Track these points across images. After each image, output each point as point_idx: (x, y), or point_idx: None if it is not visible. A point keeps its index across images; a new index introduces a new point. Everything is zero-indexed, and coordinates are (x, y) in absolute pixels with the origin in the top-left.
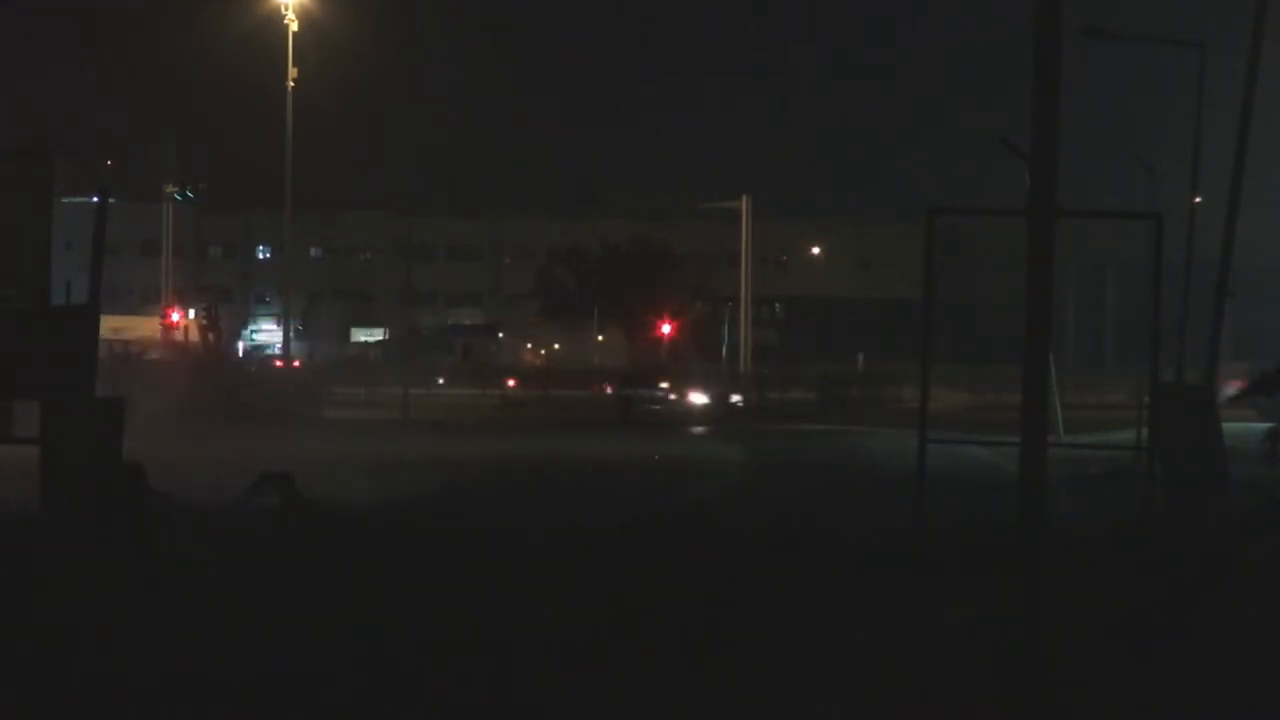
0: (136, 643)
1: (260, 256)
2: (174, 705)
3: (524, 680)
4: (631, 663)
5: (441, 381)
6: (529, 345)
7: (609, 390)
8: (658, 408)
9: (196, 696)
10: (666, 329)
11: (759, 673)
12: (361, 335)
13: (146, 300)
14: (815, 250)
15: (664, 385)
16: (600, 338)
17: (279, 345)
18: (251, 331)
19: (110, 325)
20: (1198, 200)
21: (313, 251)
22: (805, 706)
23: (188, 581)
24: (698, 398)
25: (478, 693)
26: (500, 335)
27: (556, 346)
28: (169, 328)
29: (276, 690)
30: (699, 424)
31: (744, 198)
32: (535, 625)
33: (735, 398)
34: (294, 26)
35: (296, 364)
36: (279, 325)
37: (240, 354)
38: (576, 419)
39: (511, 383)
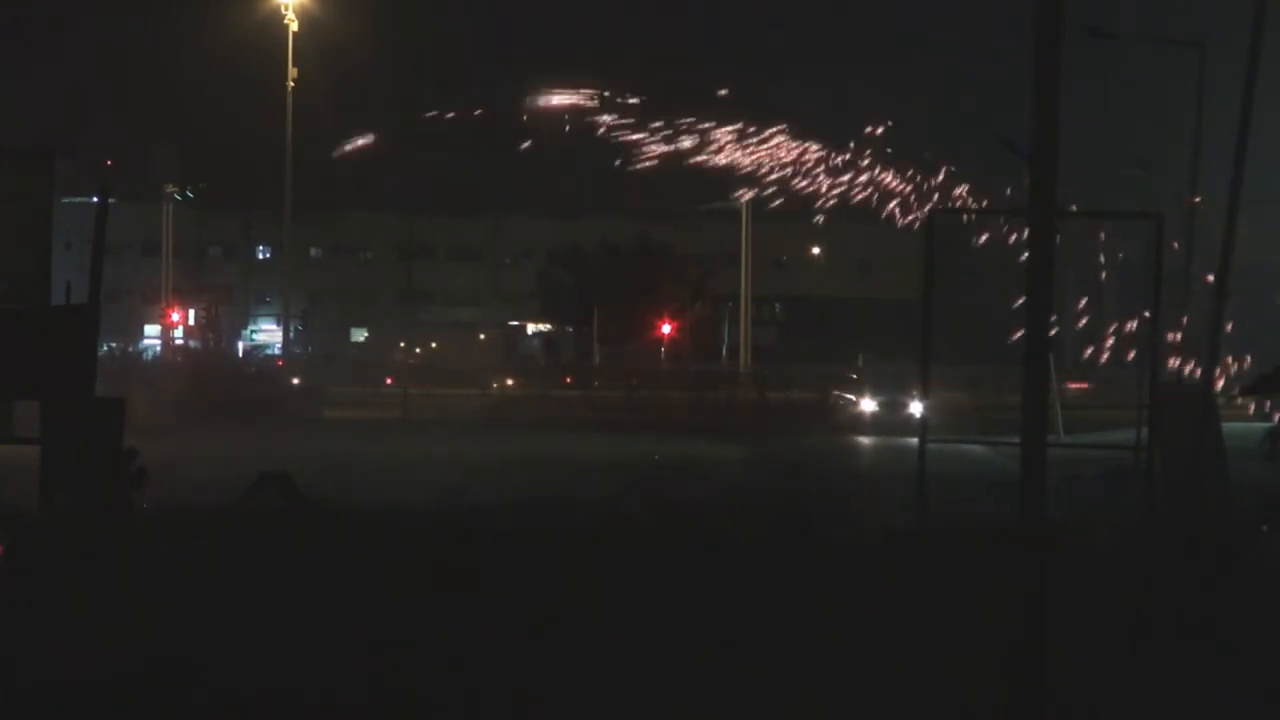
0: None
1: (260, 256)
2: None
3: (517, 684)
4: (624, 662)
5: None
6: (401, 345)
7: (838, 394)
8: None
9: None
10: (666, 329)
11: (754, 673)
12: (361, 335)
13: (146, 300)
14: (815, 250)
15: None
16: (482, 336)
17: (279, 345)
18: (251, 331)
19: None
20: (1198, 200)
21: (313, 251)
22: (799, 710)
23: (180, 584)
24: (867, 404)
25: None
26: (365, 335)
27: (434, 345)
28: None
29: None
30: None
31: (744, 197)
32: (528, 627)
33: (914, 406)
34: (294, 26)
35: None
36: (279, 325)
37: (240, 354)
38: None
39: (389, 380)
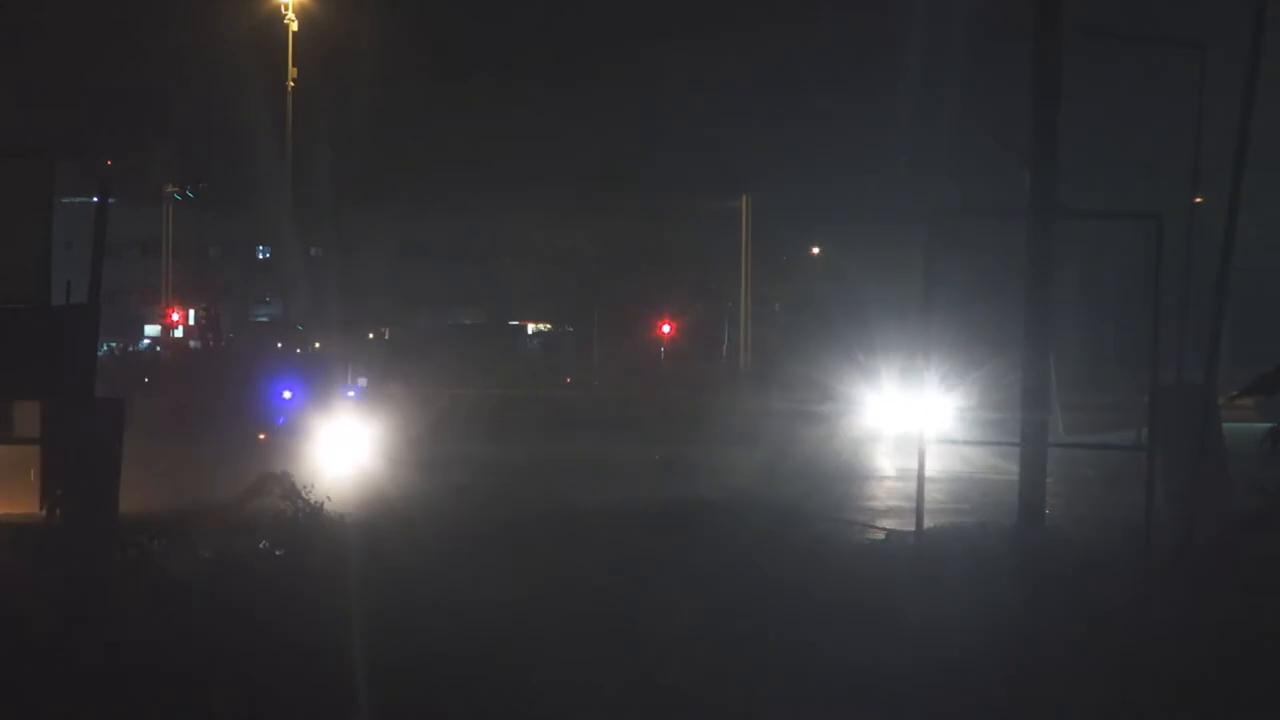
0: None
1: (260, 256)
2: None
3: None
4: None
5: None
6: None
7: None
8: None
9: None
10: (666, 329)
11: (750, 670)
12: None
13: (146, 300)
14: (815, 250)
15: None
16: (371, 335)
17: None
18: None
19: None
20: (1198, 200)
21: (312, 251)
22: (795, 710)
23: (178, 586)
24: (876, 407)
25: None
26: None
27: (317, 345)
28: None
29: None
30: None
31: (744, 198)
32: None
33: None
34: (294, 26)
35: None
36: None
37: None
38: None
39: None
